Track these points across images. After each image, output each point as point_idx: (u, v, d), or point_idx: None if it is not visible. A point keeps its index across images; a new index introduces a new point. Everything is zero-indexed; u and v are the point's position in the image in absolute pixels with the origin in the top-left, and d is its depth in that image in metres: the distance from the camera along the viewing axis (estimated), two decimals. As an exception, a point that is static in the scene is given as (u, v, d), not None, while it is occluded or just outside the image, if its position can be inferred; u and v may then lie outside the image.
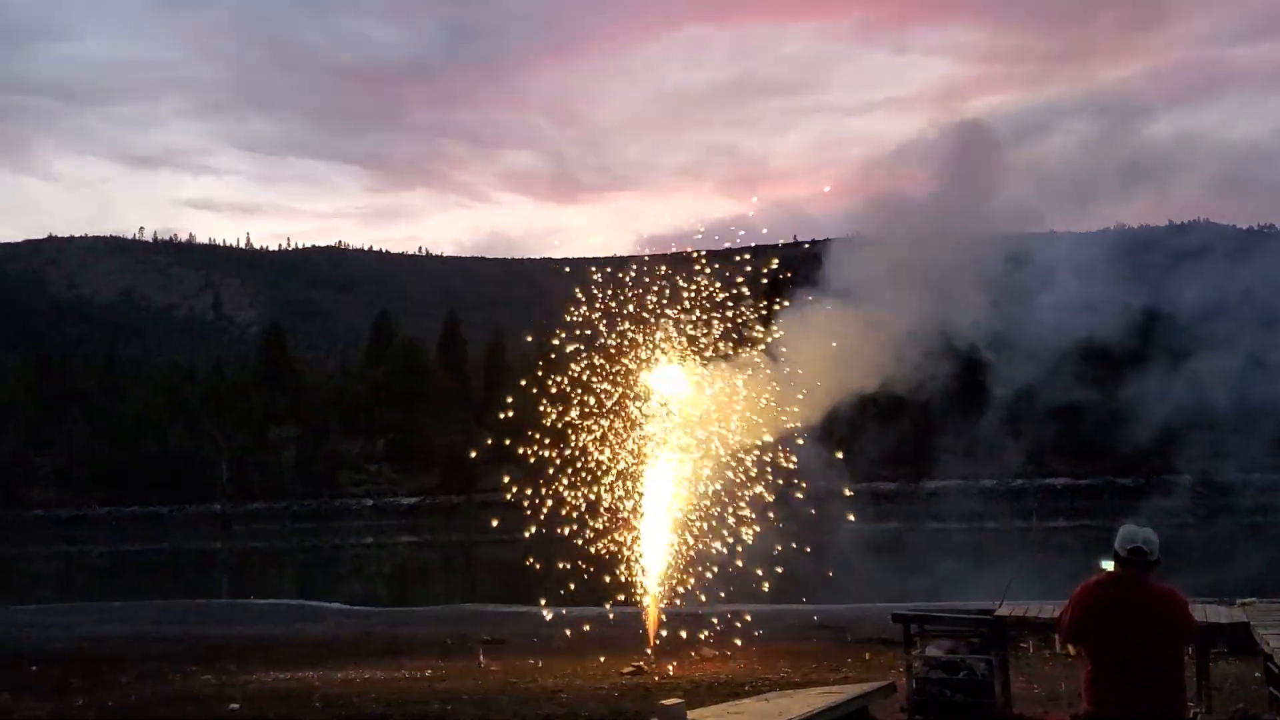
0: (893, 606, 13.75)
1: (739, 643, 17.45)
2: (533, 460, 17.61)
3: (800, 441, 18.01)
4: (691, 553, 17.36)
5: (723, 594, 17.86)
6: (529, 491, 17.38)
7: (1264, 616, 10.82)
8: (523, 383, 18.10)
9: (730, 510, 17.26)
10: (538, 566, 17.72)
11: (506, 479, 18.76)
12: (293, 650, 18.99)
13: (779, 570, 17.28)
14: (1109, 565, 5.70)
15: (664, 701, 11.48)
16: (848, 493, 19.21)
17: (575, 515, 17.42)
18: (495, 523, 19.69)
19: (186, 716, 12.73)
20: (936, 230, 19.23)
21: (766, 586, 17.42)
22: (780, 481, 17.24)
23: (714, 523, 17.29)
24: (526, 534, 17.63)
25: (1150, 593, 5.53)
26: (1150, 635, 5.48)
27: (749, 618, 18.78)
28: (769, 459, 17.23)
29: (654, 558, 17.39)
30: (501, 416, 18.56)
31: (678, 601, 17.75)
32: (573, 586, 17.70)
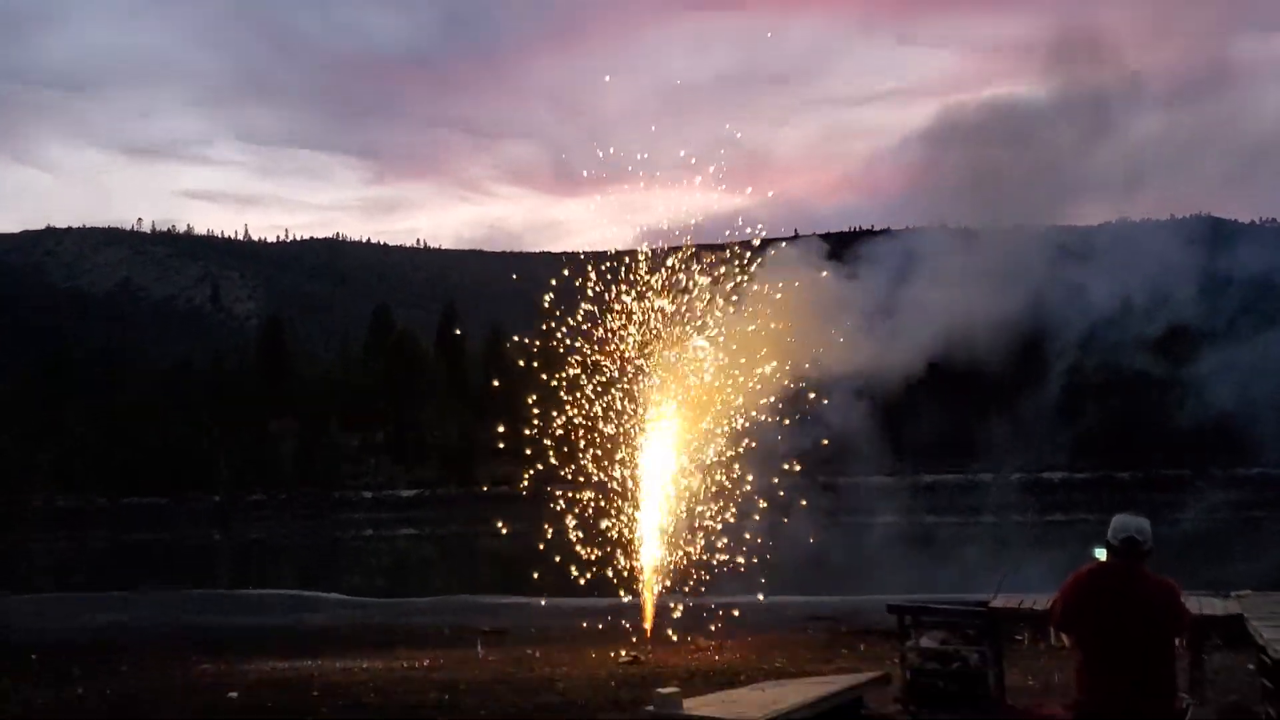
0: (888, 598, 13.79)
1: (735, 633, 17.52)
2: (531, 452, 17.71)
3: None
4: (691, 542, 17.47)
5: (719, 584, 17.94)
6: (528, 479, 17.50)
7: (1258, 609, 10.88)
8: (521, 363, 18.16)
9: (736, 491, 17.37)
10: (541, 549, 17.75)
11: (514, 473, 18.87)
12: (291, 640, 19.04)
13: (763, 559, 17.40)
14: (1102, 554, 5.73)
15: (660, 690, 11.54)
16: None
17: (575, 505, 17.52)
18: (501, 525, 19.60)
19: (187, 704, 12.78)
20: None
21: (764, 580, 17.54)
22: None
23: (719, 507, 17.41)
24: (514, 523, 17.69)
25: (1142, 582, 5.55)
26: (1141, 625, 5.49)
27: (745, 609, 18.88)
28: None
29: (652, 548, 17.48)
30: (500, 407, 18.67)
31: (677, 592, 17.85)
32: (574, 575, 17.79)
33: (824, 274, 18.02)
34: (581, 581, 17.85)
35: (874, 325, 18.44)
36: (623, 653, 15.90)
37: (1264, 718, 9.82)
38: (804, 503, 19.26)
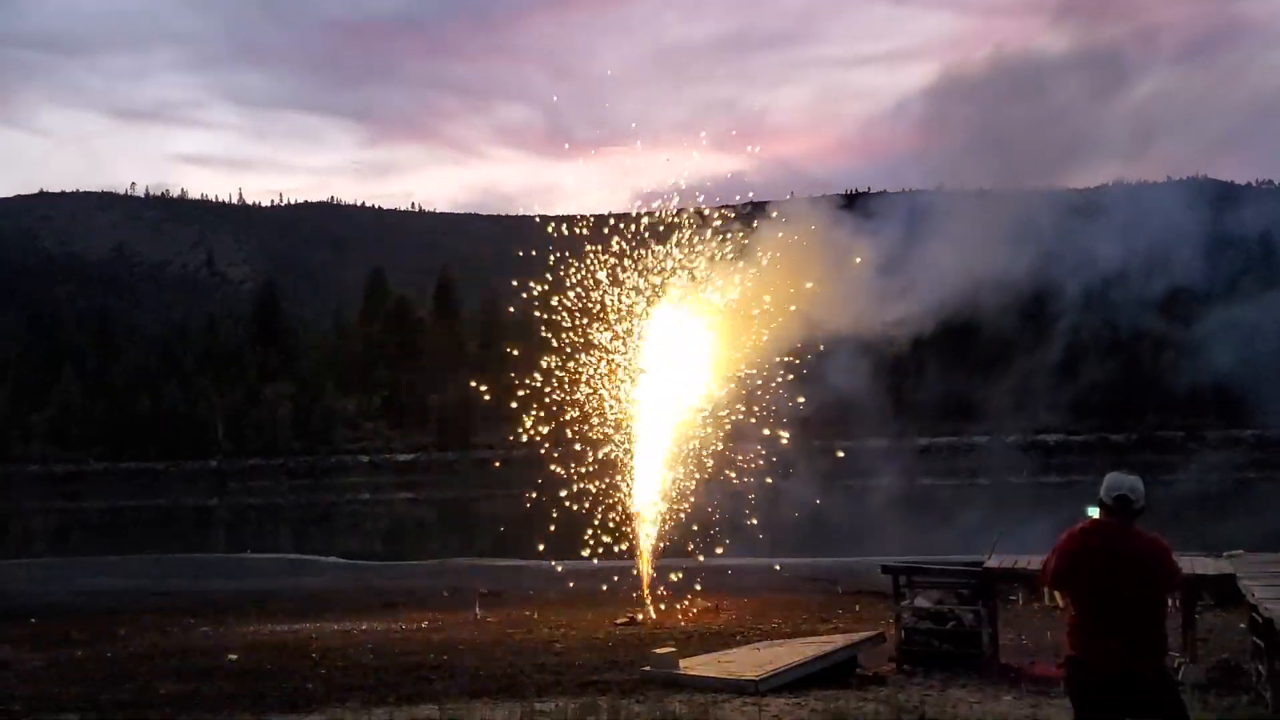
0: (884, 559, 13.87)
1: (732, 595, 17.62)
2: (528, 415, 17.72)
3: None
4: (688, 505, 17.55)
5: (717, 546, 18.01)
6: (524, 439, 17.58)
7: (1249, 568, 10.96)
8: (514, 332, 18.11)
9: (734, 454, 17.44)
10: (539, 512, 17.85)
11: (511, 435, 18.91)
12: (290, 603, 19.14)
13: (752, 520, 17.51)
14: (1094, 512, 5.75)
15: (657, 650, 11.63)
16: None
17: (573, 468, 17.57)
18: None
19: (185, 667, 12.84)
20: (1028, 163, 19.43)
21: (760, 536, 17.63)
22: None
23: (717, 470, 17.48)
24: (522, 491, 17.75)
25: (1134, 540, 5.56)
26: (1133, 582, 5.52)
27: (742, 571, 18.98)
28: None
29: (649, 511, 17.54)
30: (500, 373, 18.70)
31: (674, 554, 17.95)
32: (572, 538, 17.89)
33: (839, 226, 17.95)
34: (580, 544, 17.96)
35: (880, 284, 18.37)
36: (621, 614, 16.00)
37: (1254, 675, 9.90)
38: (790, 470, 19.34)
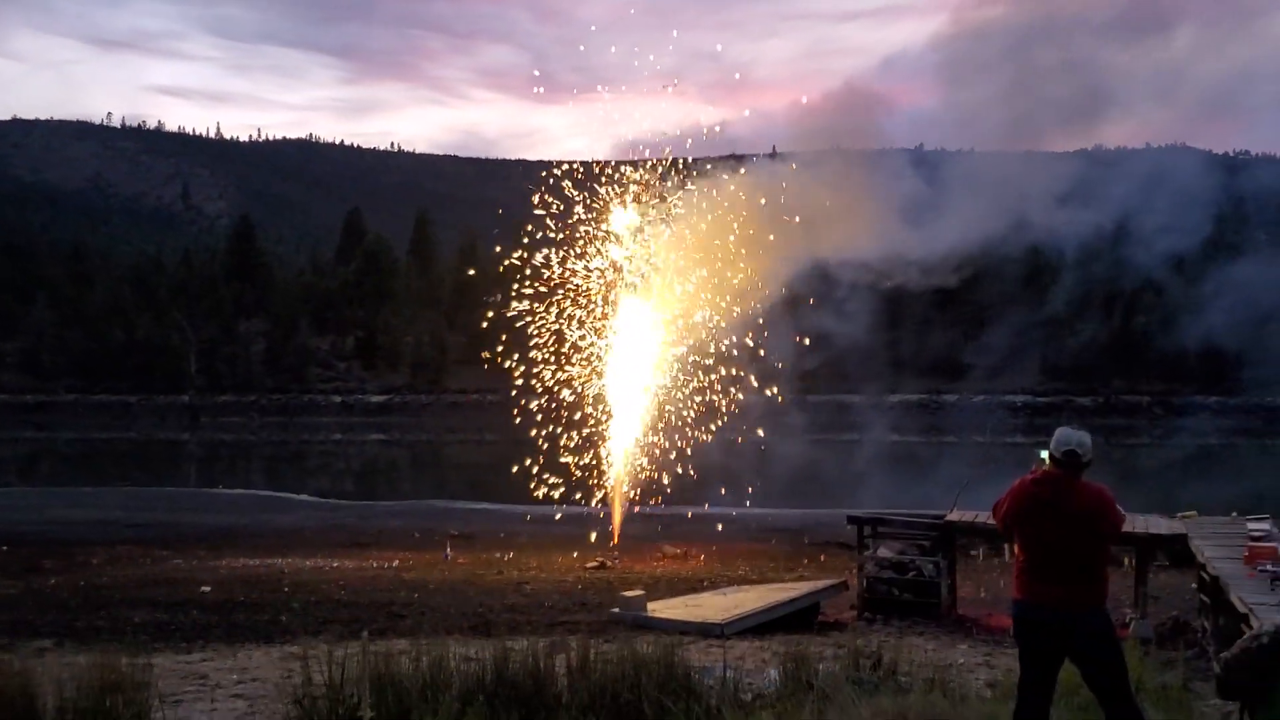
0: (849, 511, 14.15)
1: (701, 543, 17.92)
2: (503, 360, 17.86)
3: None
4: (658, 451, 17.79)
5: (687, 495, 18.31)
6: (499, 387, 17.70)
7: (1200, 529, 11.34)
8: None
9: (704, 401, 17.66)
10: (511, 456, 17.99)
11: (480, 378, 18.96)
12: (262, 539, 19.30)
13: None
14: (1045, 454, 5.99)
15: (625, 594, 11.90)
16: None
17: (546, 413, 17.75)
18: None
19: (158, 597, 13.03)
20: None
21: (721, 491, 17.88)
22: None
23: (689, 416, 17.69)
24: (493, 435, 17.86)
25: (1080, 492, 5.81)
26: (1077, 531, 5.78)
27: (711, 519, 19.26)
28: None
29: (621, 457, 17.76)
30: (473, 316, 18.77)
31: (644, 501, 18.21)
32: (544, 483, 18.10)
33: (845, 174, 18.00)
34: (551, 489, 18.19)
35: (881, 237, 18.44)
36: (590, 558, 16.26)
37: (1200, 631, 10.27)
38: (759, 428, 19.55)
